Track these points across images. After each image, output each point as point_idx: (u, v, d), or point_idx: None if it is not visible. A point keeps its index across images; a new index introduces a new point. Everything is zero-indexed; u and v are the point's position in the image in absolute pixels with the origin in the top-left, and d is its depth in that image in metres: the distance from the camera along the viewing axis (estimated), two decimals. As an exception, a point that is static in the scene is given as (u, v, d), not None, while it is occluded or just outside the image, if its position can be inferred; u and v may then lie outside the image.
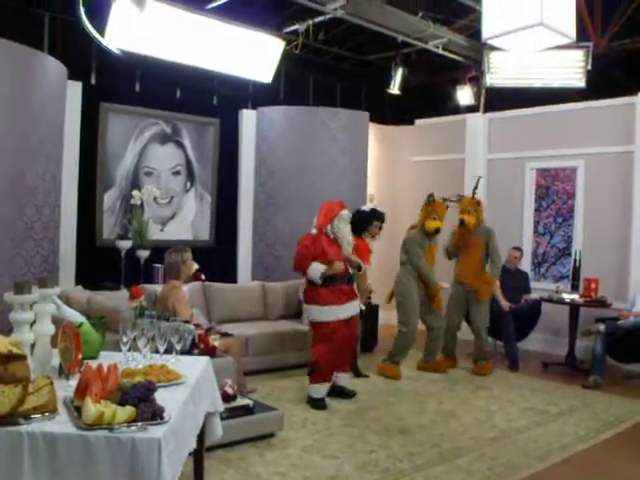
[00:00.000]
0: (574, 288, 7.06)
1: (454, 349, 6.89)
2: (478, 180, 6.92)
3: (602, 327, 6.31)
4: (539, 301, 7.22)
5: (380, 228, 6.55)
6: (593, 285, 6.89)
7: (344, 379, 5.65)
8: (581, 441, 4.73)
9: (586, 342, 6.85)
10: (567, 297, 6.89)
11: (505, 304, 6.95)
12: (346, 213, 5.45)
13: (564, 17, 4.48)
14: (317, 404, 5.30)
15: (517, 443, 4.64)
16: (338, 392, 5.57)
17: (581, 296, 6.90)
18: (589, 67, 6.83)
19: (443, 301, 6.63)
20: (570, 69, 7.01)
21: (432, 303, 6.52)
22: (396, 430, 4.83)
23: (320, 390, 5.36)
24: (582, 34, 6.18)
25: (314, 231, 5.40)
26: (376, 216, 6.50)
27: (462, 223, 6.66)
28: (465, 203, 6.74)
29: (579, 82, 7.00)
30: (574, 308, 6.93)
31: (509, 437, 4.76)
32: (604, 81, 7.22)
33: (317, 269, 5.24)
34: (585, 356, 6.88)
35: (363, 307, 5.73)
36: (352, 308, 5.45)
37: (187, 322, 4.57)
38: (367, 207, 6.69)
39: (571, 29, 4.56)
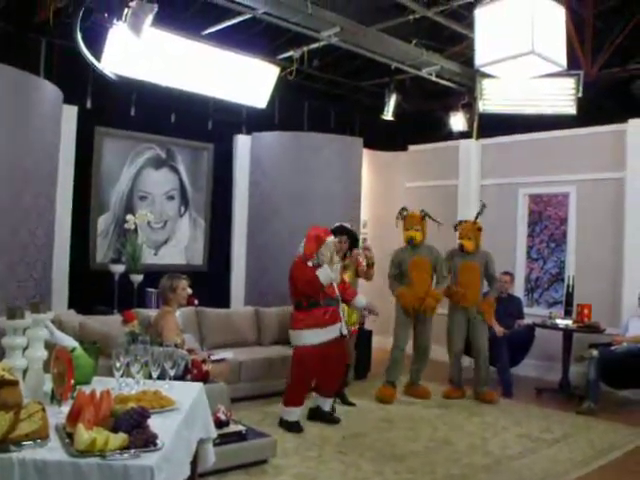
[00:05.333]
0: (567, 314, 7.06)
1: (461, 378, 6.79)
2: (483, 207, 6.88)
3: (595, 353, 6.31)
4: (532, 327, 7.22)
5: (342, 242, 6.16)
6: (586, 311, 6.89)
7: (328, 403, 5.62)
8: (576, 468, 4.70)
9: (580, 368, 6.84)
10: (560, 323, 6.89)
11: (499, 330, 6.93)
12: (331, 240, 5.43)
13: (555, 45, 4.56)
14: (293, 427, 5.29)
15: (511, 470, 4.61)
16: (324, 417, 5.55)
17: (574, 322, 6.89)
18: (580, 94, 6.94)
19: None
20: (561, 96, 7.11)
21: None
22: (390, 456, 4.79)
23: (294, 413, 5.36)
24: (573, 62, 6.26)
25: (300, 255, 5.39)
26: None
27: (461, 249, 6.69)
28: (466, 229, 6.72)
29: (570, 109, 7.09)
30: (567, 334, 6.92)
31: (503, 464, 4.73)
32: (595, 108, 7.30)
33: (327, 269, 5.26)
34: (579, 382, 6.86)
35: (345, 332, 5.57)
36: (333, 331, 5.38)
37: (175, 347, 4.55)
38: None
39: (562, 57, 4.63)
